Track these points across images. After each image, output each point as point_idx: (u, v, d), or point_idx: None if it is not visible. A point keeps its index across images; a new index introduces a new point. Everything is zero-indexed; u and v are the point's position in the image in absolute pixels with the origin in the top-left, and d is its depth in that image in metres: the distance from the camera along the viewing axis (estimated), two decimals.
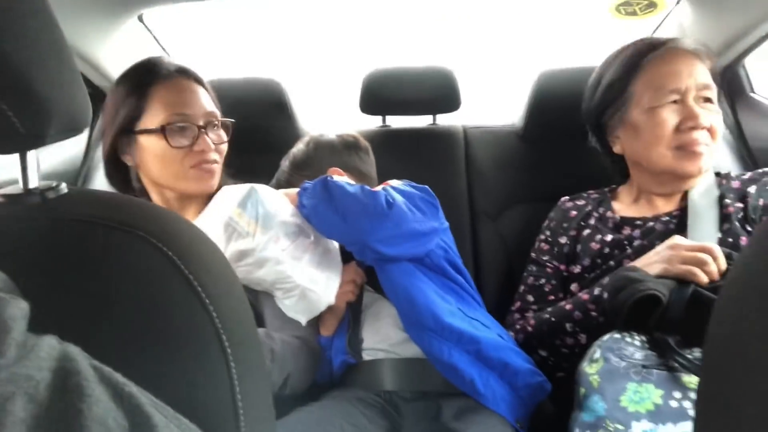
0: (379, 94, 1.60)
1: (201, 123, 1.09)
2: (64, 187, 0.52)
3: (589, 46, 2.01)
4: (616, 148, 1.21)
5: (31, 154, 0.50)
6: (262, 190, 1.02)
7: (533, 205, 1.48)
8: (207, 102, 1.13)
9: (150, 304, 0.44)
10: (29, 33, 0.43)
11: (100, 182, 1.54)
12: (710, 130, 1.08)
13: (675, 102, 1.08)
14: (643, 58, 1.12)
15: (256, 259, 0.94)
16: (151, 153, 1.08)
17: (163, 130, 1.05)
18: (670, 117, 1.08)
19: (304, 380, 1.05)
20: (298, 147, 1.25)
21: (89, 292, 0.43)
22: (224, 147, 1.15)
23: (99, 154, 1.41)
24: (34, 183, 0.51)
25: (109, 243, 0.46)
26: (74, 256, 0.45)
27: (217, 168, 1.13)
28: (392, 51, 2.07)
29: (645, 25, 1.71)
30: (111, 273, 0.44)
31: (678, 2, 1.52)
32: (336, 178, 1.06)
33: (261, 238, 0.95)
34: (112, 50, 1.47)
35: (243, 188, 1.01)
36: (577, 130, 1.42)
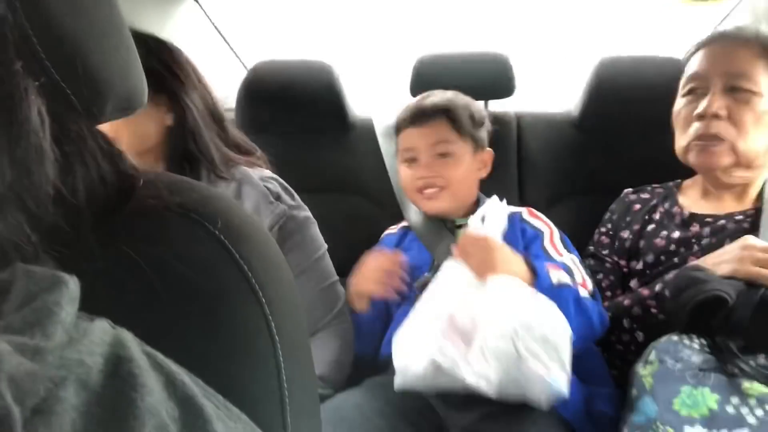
0: (431, 78, 1.56)
1: None
2: None
3: (652, 33, 1.91)
4: None
5: None
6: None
7: (586, 197, 1.43)
8: None
9: (201, 289, 0.44)
10: (88, 10, 0.43)
11: None
12: None
13: None
14: None
15: None
16: None
17: None
18: None
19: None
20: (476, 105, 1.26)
21: (141, 274, 0.43)
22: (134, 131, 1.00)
23: None
24: None
25: (162, 225, 0.46)
26: (126, 237, 0.45)
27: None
28: (445, 34, 2.02)
29: (712, 12, 1.61)
30: (163, 256, 0.44)
31: None
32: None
33: None
34: (168, 31, 1.50)
35: None
36: (637, 121, 1.35)
